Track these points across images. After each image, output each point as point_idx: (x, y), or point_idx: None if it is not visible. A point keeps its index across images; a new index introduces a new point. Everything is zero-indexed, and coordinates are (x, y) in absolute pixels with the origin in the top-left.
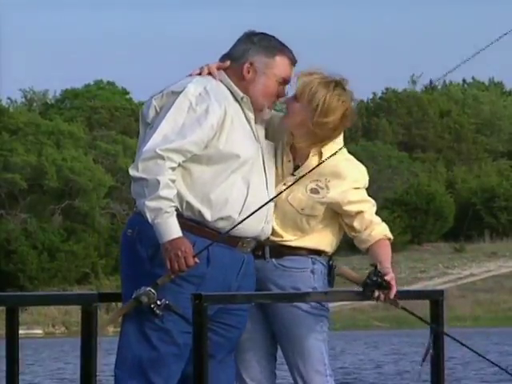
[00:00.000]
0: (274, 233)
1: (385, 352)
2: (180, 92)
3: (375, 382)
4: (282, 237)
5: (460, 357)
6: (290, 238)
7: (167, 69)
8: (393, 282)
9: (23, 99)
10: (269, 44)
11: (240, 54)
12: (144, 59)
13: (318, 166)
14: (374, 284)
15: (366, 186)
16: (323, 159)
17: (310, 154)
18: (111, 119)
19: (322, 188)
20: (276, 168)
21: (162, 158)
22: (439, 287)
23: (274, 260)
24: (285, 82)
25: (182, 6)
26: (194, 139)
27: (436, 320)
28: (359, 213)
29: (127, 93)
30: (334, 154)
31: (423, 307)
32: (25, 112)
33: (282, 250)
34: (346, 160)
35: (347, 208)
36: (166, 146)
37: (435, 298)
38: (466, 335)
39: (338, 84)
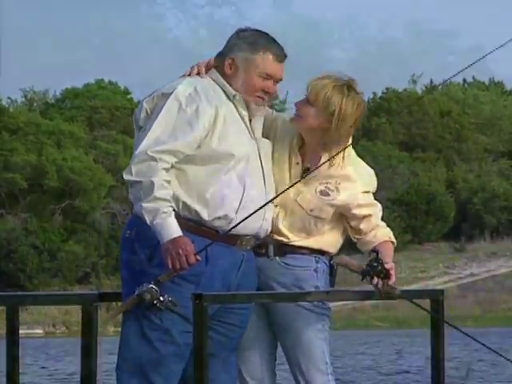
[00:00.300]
0: (279, 233)
1: (385, 352)
2: (170, 94)
3: (375, 381)
4: (288, 238)
5: (460, 357)
6: (296, 239)
7: (170, 68)
8: (392, 272)
9: (23, 99)
10: (254, 40)
11: (227, 51)
12: (146, 58)
13: (322, 164)
14: (373, 270)
15: (375, 189)
16: (331, 160)
17: (322, 157)
18: (112, 119)
19: (332, 190)
20: (284, 170)
21: (155, 159)
22: (439, 287)
23: (277, 258)
24: (270, 77)
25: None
26: (186, 140)
27: (436, 319)
28: (367, 216)
29: (129, 93)
30: (338, 153)
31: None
32: (25, 112)
33: (285, 249)
34: (357, 163)
35: (356, 211)
36: (157, 147)
37: (435, 298)
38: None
39: (350, 87)
